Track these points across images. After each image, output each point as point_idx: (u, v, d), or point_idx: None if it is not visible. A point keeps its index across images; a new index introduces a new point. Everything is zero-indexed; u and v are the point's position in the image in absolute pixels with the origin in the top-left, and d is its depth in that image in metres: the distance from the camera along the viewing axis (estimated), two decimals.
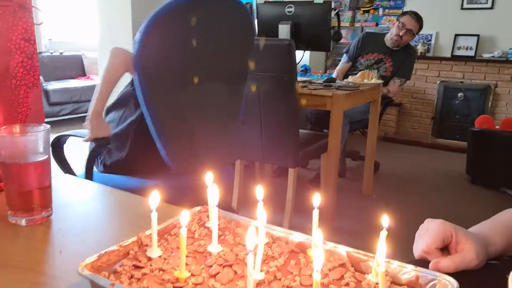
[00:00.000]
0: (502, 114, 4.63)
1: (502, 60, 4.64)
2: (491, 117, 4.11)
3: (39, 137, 0.76)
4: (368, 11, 5.49)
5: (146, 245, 0.61)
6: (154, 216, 0.59)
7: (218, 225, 0.64)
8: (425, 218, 0.75)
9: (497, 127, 3.79)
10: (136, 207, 0.88)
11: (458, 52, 4.90)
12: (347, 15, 5.55)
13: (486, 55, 4.72)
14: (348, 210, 3.00)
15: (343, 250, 0.60)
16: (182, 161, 1.56)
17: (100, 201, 0.94)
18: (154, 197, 0.60)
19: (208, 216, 0.71)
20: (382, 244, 0.52)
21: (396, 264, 0.57)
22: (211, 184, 0.68)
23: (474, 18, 4.76)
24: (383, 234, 0.54)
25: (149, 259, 0.58)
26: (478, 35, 4.76)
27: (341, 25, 4.47)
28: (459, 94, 4.94)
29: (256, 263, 0.54)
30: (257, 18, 2.97)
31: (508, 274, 0.75)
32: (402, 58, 3.47)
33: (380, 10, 5.38)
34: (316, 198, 0.62)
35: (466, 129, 3.92)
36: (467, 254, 0.65)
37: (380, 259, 0.48)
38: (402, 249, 0.77)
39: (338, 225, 2.75)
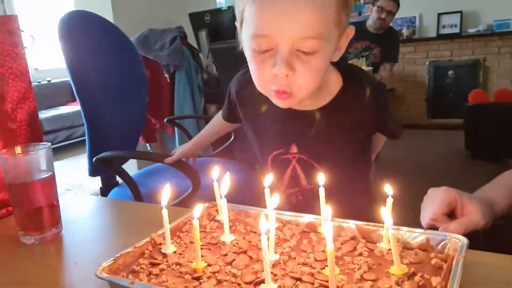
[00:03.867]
0: (494, 87, 4.65)
1: (488, 34, 4.66)
2: (483, 91, 4.14)
3: (40, 154, 0.77)
4: None
5: (160, 244, 0.62)
6: (165, 213, 0.60)
7: (228, 216, 0.65)
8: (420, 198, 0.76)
9: (491, 99, 3.82)
10: (144, 214, 0.89)
11: (443, 31, 4.93)
12: None
13: (471, 31, 4.75)
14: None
15: (352, 224, 0.61)
16: None
17: (108, 213, 0.95)
18: (164, 195, 0.62)
19: (217, 211, 0.72)
20: (387, 211, 0.53)
21: (405, 230, 0.58)
22: (217, 177, 0.69)
23: None
24: (389, 201, 0.55)
25: (165, 255, 0.59)
26: (461, 12, 4.79)
27: None
28: (449, 72, 4.96)
29: (270, 246, 0.55)
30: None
31: None
32: (388, 42, 3.49)
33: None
34: (321, 177, 0.63)
35: (461, 106, 3.94)
36: (473, 216, 0.67)
37: (387, 222, 0.49)
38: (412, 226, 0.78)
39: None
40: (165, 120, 2.20)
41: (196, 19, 2.86)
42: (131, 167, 2.34)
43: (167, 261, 0.57)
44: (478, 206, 0.68)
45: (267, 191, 0.63)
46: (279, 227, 0.64)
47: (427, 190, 0.75)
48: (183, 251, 0.60)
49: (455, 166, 3.66)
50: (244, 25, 0.78)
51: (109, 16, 2.67)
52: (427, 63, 5.07)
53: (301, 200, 1.02)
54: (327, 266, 0.52)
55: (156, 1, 3.15)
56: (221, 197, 0.65)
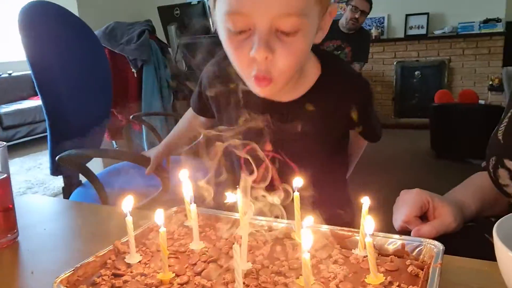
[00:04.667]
0: (459, 88, 4.80)
1: (452, 36, 4.80)
2: (448, 91, 4.26)
3: None
4: None
5: (124, 252, 0.58)
6: (129, 220, 0.56)
7: (198, 222, 0.62)
8: (397, 196, 0.75)
9: (456, 100, 3.93)
10: (109, 218, 0.84)
11: (410, 32, 5.04)
12: None
13: (437, 32, 4.88)
14: None
15: (326, 229, 0.60)
16: None
17: (69, 217, 0.90)
18: (127, 202, 0.58)
19: (185, 215, 0.68)
20: (366, 216, 0.51)
21: (381, 236, 0.57)
22: (185, 181, 0.65)
23: None
24: (366, 206, 0.53)
25: (129, 265, 0.55)
26: (427, 13, 4.91)
27: None
28: (416, 73, 5.08)
29: (242, 253, 0.53)
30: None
31: (485, 233, 0.77)
32: (358, 42, 3.53)
33: None
34: (297, 181, 0.61)
35: (426, 106, 4.03)
36: (445, 218, 0.66)
37: (367, 229, 0.48)
38: (381, 227, 0.77)
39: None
40: (131, 116, 2.13)
41: (165, 12, 2.79)
42: (95, 165, 2.25)
43: (131, 272, 0.54)
44: (449, 208, 0.68)
45: (238, 195, 0.60)
46: (251, 233, 0.62)
47: (394, 188, 0.74)
48: (148, 260, 0.57)
49: (421, 165, 3.75)
50: (217, 3, 0.71)
51: (73, 8, 2.56)
52: (394, 63, 5.17)
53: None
54: (301, 275, 0.50)
55: None
56: (190, 202, 0.62)
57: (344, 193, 1.05)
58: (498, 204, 0.78)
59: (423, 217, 0.69)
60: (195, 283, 0.51)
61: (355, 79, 0.89)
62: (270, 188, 0.95)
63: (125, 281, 0.51)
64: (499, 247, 0.43)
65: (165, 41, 2.74)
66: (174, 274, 0.52)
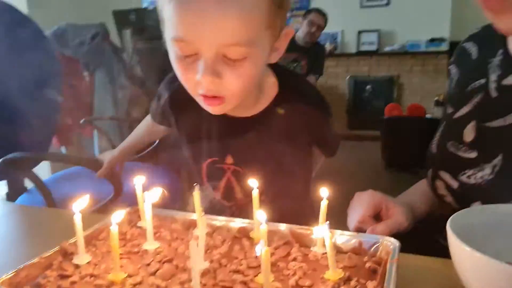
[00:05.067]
0: (407, 102, 5.01)
1: (401, 53, 5.02)
2: (398, 105, 4.45)
3: None
4: None
5: (72, 253, 0.54)
6: (77, 218, 0.53)
7: (152, 223, 0.59)
8: (347, 203, 0.77)
9: (404, 113, 4.10)
10: (56, 221, 0.79)
11: (362, 48, 5.22)
12: None
13: (387, 49, 5.09)
14: None
15: (285, 227, 0.59)
16: None
17: (14, 220, 0.84)
18: (81, 201, 0.54)
19: (139, 216, 0.66)
20: (323, 213, 0.51)
21: (338, 234, 0.57)
22: (138, 182, 0.63)
23: (374, 15, 5.11)
24: (324, 203, 0.54)
25: (77, 266, 0.52)
26: (378, 31, 5.12)
27: None
28: (367, 87, 5.27)
29: (199, 253, 0.51)
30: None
31: (435, 233, 0.80)
32: (314, 55, 3.62)
33: (288, 12, 5.58)
34: (253, 182, 0.60)
35: (377, 118, 4.18)
36: (398, 218, 0.68)
37: (324, 227, 0.48)
38: None
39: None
40: (81, 121, 2.04)
41: (121, 17, 2.72)
42: (42, 171, 2.13)
43: (79, 273, 0.50)
44: (401, 208, 0.70)
45: (196, 195, 0.59)
46: (208, 233, 0.60)
47: (346, 196, 0.76)
48: (98, 261, 0.53)
49: (372, 175, 3.87)
50: (165, 27, 0.70)
51: (22, 6, 2.43)
52: (347, 77, 5.34)
53: (237, 215, 0.96)
54: (260, 273, 0.49)
55: None
56: (144, 201, 0.59)
57: (307, 206, 1.05)
58: (444, 206, 0.81)
59: (377, 217, 0.71)
60: (149, 284, 0.48)
61: (313, 97, 0.91)
62: (232, 200, 0.95)
63: (73, 282, 0.48)
64: (453, 241, 0.44)
65: (120, 46, 2.67)
66: (126, 275, 0.49)
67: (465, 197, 0.66)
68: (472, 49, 0.74)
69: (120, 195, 1.30)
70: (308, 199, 1.05)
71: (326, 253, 0.53)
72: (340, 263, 0.51)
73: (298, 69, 3.58)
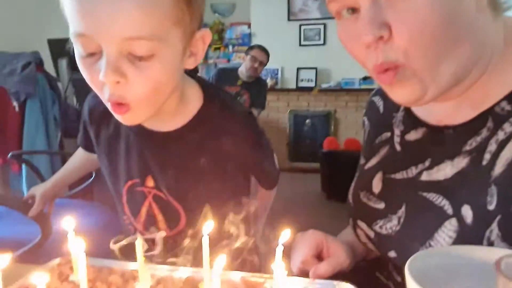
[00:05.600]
0: (343, 136, 5.23)
1: (337, 89, 5.28)
2: (335, 139, 4.61)
3: None
4: (219, 48, 5.73)
5: None
6: None
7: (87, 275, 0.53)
8: (292, 236, 0.75)
9: (341, 147, 4.26)
10: None
11: (301, 84, 5.42)
12: None
13: (324, 85, 5.33)
14: None
15: (236, 276, 0.55)
16: None
17: None
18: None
19: (71, 268, 0.58)
20: (280, 260, 0.48)
21: (294, 280, 0.54)
22: (71, 230, 0.56)
23: (311, 53, 5.35)
24: (280, 249, 0.51)
25: None
26: (316, 68, 5.35)
27: None
28: (306, 121, 5.44)
29: None
30: None
31: (376, 271, 0.80)
32: (256, 90, 3.69)
33: (230, 47, 5.67)
34: (207, 224, 0.56)
35: (316, 151, 4.30)
36: (339, 256, 0.68)
37: (281, 275, 0.45)
38: None
39: None
40: (9, 155, 1.88)
41: (56, 46, 2.60)
42: None
43: None
44: (342, 247, 0.70)
45: (138, 241, 0.53)
46: (151, 286, 0.55)
47: (287, 226, 0.74)
48: None
49: (312, 206, 3.93)
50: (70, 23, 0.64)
51: None
52: (288, 111, 5.48)
53: (163, 250, 0.89)
54: None
55: (10, 21, 2.79)
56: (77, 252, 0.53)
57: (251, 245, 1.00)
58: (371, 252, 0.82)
59: (318, 257, 0.70)
60: None
61: (241, 116, 0.86)
62: (154, 231, 0.87)
63: None
64: (412, 286, 0.43)
65: (55, 75, 2.54)
66: None
67: (382, 246, 0.67)
68: (380, 103, 0.77)
69: (49, 237, 1.18)
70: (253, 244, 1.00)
71: None
72: None
73: (241, 102, 3.62)
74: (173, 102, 0.78)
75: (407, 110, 0.68)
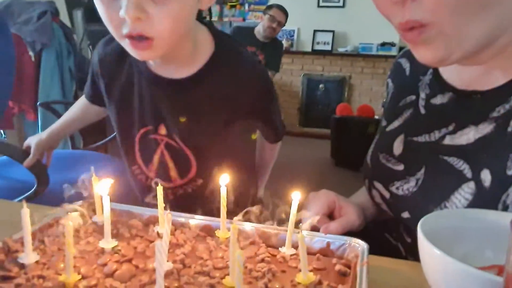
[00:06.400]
0: (357, 103, 5.17)
1: (354, 54, 5.17)
2: (349, 105, 4.56)
3: None
4: (234, 6, 5.60)
5: (16, 251, 0.49)
6: (25, 213, 0.47)
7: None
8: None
9: (354, 113, 4.22)
10: None
11: (317, 47, 5.31)
12: (214, 9, 5.58)
13: (340, 50, 5.21)
14: None
15: (250, 227, 0.57)
16: None
17: None
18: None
19: (93, 210, 0.61)
20: (295, 213, 0.49)
21: (306, 234, 0.55)
22: (93, 172, 0.58)
23: (329, 16, 5.21)
24: (295, 203, 0.52)
25: (22, 266, 0.47)
26: (333, 31, 5.22)
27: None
28: (320, 86, 5.37)
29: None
30: None
31: (385, 232, 0.82)
32: (272, 51, 3.62)
33: (246, 6, 5.54)
34: (223, 178, 0.57)
35: (328, 117, 4.27)
36: (350, 216, 0.69)
37: (304, 225, 0.46)
38: None
39: None
40: (38, 103, 1.89)
41: None
42: None
43: (25, 274, 0.45)
44: (353, 208, 0.71)
45: (159, 189, 0.55)
46: (170, 231, 0.57)
47: (294, 194, 0.76)
48: (48, 260, 0.48)
49: (321, 173, 3.95)
50: None
51: None
52: (302, 75, 5.41)
53: (173, 201, 0.90)
54: (227, 275, 0.47)
55: None
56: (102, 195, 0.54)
57: (250, 198, 1.02)
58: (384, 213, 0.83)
59: (330, 217, 0.71)
60: (105, 286, 0.44)
61: (251, 62, 0.86)
62: (166, 180, 0.89)
63: (18, 285, 0.43)
64: (424, 244, 0.44)
65: (70, 26, 2.51)
66: (80, 276, 0.45)
67: (396, 207, 0.68)
68: (406, 65, 0.76)
69: (45, 188, 1.14)
70: (252, 190, 1.01)
71: (294, 254, 0.52)
72: (309, 265, 0.50)
73: None
74: (187, 46, 0.78)
75: (435, 74, 0.67)
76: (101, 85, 0.91)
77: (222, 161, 0.81)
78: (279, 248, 0.54)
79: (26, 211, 0.47)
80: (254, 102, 0.86)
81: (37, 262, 0.48)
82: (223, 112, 0.84)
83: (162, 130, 0.85)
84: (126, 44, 0.69)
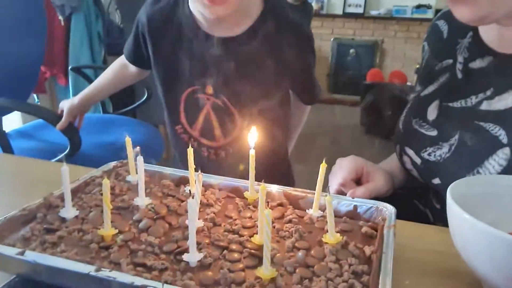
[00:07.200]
0: (388, 68, 5.03)
1: (387, 17, 4.97)
2: (380, 71, 4.44)
3: None
4: None
5: (57, 206, 0.52)
6: (65, 170, 0.50)
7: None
8: (328, 169, 0.77)
9: (386, 80, 4.11)
10: (35, 172, 0.76)
11: (348, 9, 5.13)
12: None
13: (373, 12, 5.02)
14: None
15: (278, 189, 0.58)
16: None
17: None
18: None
19: (127, 171, 0.63)
20: (321, 177, 0.50)
21: (333, 197, 0.56)
22: (126, 134, 0.60)
23: None
24: (323, 167, 0.52)
25: (63, 220, 0.49)
26: None
27: None
28: (351, 51, 5.22)
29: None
30: None
31: (414, 199, 0.81)
32: (301, 14, 3.53)
33: None
34: (252, 138, 0.57)
35: (358, 83, 4.17)
36: (377, 182, 0.69)
37: (331, 188, 0.46)
38: None
39: None
40: (69, 68, 1.93)
41: None
42: (15, 120, 2.05)
43: (66, 227, 0.48)
44: (381, 174, 0.70)
45: (190, 151, 0.56)
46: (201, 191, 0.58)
47: (323, 160, 0.76)
48: (86, 215, 0.51)
49: (350, 140, 3.91)
50: None
51: None
52: (331, 39, 5.27)
53: (214, 160, 0.93)
54: (255, 233, 0.48)
55: None
56: (134, 156, 0.56)
57: (283, 161, 1.04)
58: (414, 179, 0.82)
59: (357, 182, 0.71)
60: (141, 240, 0.46)
61: (297, 23, 0.87)
62: (209, 138, 0.91)
63: (60, 237, 0.46)
64: (453, 209, 0.44)
65: None
66: (117, 231, 0.47)
67: (427, 173, 0.67)
68: (444, 27, 0.73)
69: (77, 150, 1.17)
70: (285, 153, 1.03)
71: (321, 216, 0.53)
72: (336, 226, 0.50)
73: None
74: (245, 3, 0.80)
75: (475, 37, 0.65)
76: (148, 45, 0.92)
77: (263, 121, 0.85)
78: (306, 210, 0.55)
79: (66, 169, 0.50)
80: (300, 58, 0.87)
81: (76, 217, 0.50)
82: (272, 68, 0.85)
83: (209, 90, 0.87)
84: (204, 1, 0.72)
